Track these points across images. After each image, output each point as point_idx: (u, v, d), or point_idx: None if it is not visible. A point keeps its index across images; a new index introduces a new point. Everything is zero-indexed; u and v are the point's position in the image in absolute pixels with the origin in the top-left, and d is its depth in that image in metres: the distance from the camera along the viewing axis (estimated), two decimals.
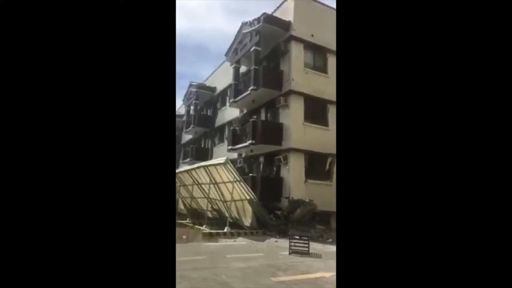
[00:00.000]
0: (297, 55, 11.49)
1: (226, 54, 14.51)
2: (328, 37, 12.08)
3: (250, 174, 11.74)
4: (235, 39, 13.70)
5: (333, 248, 7.00)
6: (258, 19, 11.64)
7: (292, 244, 6.18)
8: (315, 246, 6.66)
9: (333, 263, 5.31)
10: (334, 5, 12.64)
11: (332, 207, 10.92)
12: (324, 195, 10.85)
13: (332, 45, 12.12)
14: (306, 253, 6.01)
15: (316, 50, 12.02)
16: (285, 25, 11.57)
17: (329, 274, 4.43)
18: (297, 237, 6.49)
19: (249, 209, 9.50)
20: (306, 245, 6.14)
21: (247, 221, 9.52)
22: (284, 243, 6.97)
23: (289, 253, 6.01)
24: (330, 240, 8.33)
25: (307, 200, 10.14)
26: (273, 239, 8.03)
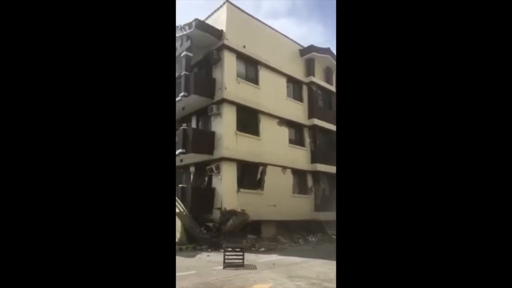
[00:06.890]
0: (229, 64, 11.48)
1: None
2: (259, 50, 12.48)
3: (180, 185, 11.06)
4: None
5: (266, 258, 6.97)
6: (189, 24, 11.27)
7: (226, 257, 5.92)
8: (248, 257, 6.51)
9: (268, 273, 5.23)
10: (266, 20, 13.14)
11: (263, 216, 11.07)
12: (255, 204, 10.92)
13: (263, 59, 12.55)
14: (241, 265, 5.81)
15: (248, 61, 12.23)
16: (218, 34, 11.49)
17: (267, 286, 4.32)
18: (230, 249, 6.25)
19: (178, 223, 8.86)
20: (241, 257, 5.95)
21: (176, 236, 8.85)
22: (216, 256, 6.65)
23: (223, 267, 5.72)
24: (262, 249, 8.33)
25: (239, 210, 10.02)
26: (205, 254, 7.60)
